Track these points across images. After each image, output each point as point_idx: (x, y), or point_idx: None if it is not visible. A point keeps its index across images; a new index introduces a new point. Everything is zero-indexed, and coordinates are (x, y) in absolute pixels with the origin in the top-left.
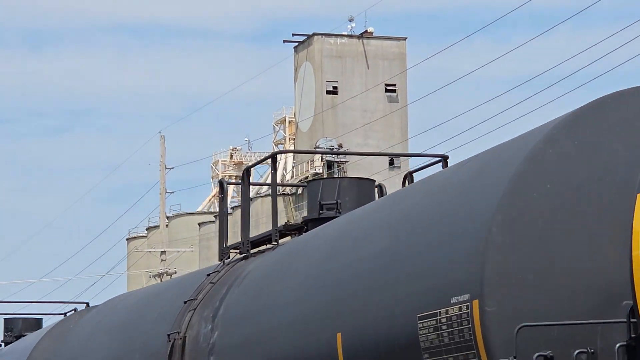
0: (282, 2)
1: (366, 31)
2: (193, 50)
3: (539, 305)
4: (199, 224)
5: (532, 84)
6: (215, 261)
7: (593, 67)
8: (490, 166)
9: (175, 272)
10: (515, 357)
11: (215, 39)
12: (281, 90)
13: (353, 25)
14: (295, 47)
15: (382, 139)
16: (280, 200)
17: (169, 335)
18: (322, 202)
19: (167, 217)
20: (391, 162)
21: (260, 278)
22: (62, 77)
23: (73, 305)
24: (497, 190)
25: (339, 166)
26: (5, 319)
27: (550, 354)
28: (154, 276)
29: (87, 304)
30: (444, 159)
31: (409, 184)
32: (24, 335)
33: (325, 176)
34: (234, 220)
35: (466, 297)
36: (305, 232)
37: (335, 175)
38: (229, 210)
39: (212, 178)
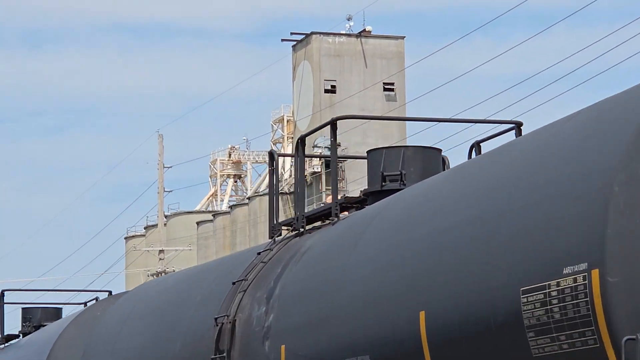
0: (281, 1)
1: (364, 30)
2: (191, 49)
3: None
4: (197, 223)
5: (531, 82)
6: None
7: (592, 65)
8: (608, 117)
9: (173, 271)
10: None
11: (213, 38)
12: (279, 89)
13: (351, 24)
14: (293, 46)
15: (381, 138)
16: (280, 200)
17: (216, 319)
18: (384, 173)
19: (166, 216)
20: None
21: (323, 254)
22: (61, 77)
23: (92, 295)
24: (619, 144)
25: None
26: (23, 308)
27: None
28: (152, 275)
29: (110, 292)
30: (517, 125)
31: (476, 154)
32: (43, 326)
33: (323, 175)
34: (233, 220)
35: (583, 266)
36: (367, 205)
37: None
38: (227, 209)
39: (210, 177)
